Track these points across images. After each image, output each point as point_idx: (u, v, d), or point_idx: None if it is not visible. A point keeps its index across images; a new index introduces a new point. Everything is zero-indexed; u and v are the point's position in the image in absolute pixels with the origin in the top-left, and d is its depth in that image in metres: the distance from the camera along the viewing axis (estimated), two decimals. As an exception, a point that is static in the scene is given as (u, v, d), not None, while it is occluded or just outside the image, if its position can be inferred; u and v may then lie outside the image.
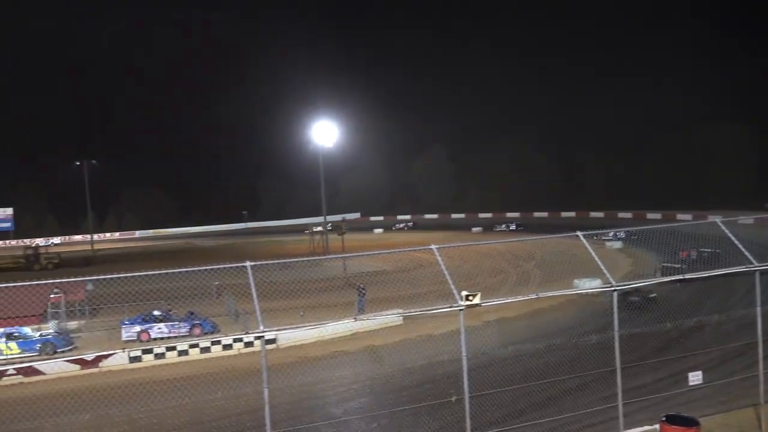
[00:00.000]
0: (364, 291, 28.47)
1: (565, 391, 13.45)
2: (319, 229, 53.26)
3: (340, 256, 43.95)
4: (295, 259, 20.13)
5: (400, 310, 21.95)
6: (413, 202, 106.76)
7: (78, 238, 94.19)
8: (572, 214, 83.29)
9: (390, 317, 23.61)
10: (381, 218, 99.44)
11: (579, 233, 10.88)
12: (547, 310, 25.03)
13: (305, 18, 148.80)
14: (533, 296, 11.39)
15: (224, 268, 10.48)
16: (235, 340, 23.05)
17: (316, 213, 68.23)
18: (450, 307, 9.47)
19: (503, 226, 72.16)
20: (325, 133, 52.92)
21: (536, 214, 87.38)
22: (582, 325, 20.95)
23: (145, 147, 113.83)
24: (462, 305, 9.37)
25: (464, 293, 9.43)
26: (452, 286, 9.43)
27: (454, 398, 10.85)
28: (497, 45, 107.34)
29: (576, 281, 25.51)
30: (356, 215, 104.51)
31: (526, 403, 13.07)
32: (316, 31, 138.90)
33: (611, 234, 43.37)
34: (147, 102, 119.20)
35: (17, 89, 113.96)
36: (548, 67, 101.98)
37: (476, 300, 9.40)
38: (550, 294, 14.97)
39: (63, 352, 24.33)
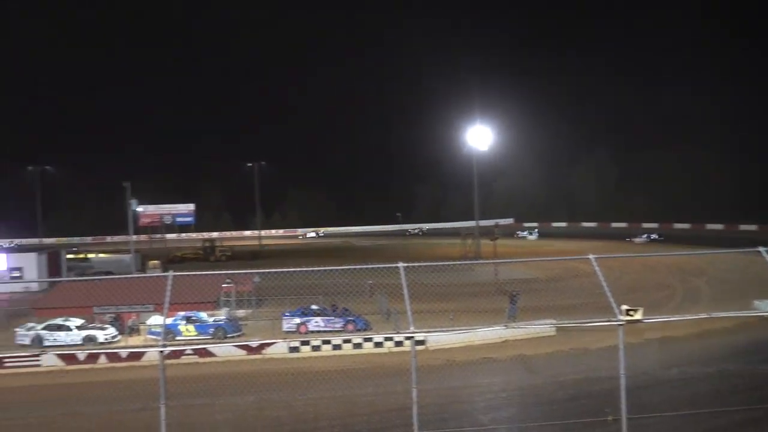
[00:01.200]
0: (516, 298, 27.88)
1: (738, 423, 12.14)
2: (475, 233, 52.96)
3: (491, 261, 43.42)
4: (447, 263, 20.19)
5: (554, 321, 21.22)
6: (570, 209, 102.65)
7: (247, 233, 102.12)
8: (753, 227, 75.26)
9: (542, 327, 22.89)
10: (535, 224, 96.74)
11: (761, 249, 9.81)
12: (718, 332, 22.76)
13: (461, 21, 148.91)
14: (704, 316, 10.46)
15: (378, 267, 10.82)
16: (386, 339, 23.66)
17: (469, 217, 67.95)
18: (608, 321, 8.98)
19: (644, 236, 68.63)
20: (480, 136, 52.62)
21: (709, 226, 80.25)
22: (761, 351, 18.80)
23: (309, 150, 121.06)
24: (622, 320, 8.84)
25: (624, 307, 8.92)
26: (611, 299, 8.94)
27: (610, 418, 10.27)
28: (671, 45, 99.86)
29: (756, 302, 23.02)
30: (510, 220, 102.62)
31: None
32: (475, 35, 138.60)
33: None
34: (314, 106, 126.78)
35: (198, 92, 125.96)
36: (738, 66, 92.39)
37: (638, 315, 8.86)
38: (724, 315, 13.61)
39: (232, 337, 26.58)
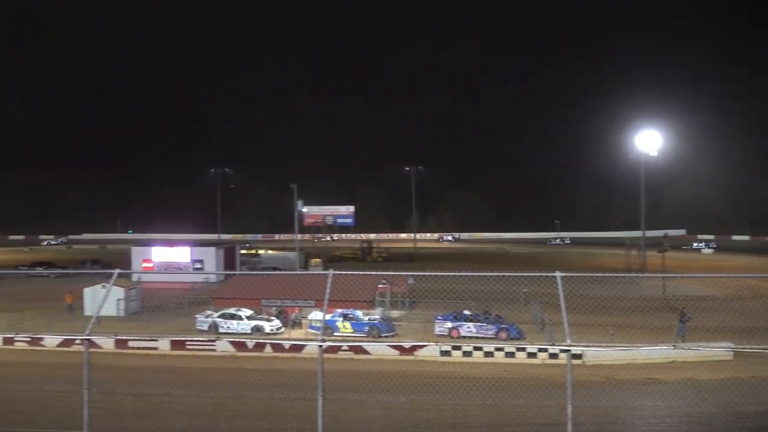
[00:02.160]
0: (687, 317, 25.68)
1: None
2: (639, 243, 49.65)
3: (660, 275, 40.34)
4: (609, 274, 19.11)
5: (731, 344, 19.19)
6: (754, 221, 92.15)
7: (403, 236, 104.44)
8: None
9: (718, 350, 20.81)
10: (711, 237, 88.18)
11: None
12: None
13: (627, 22, 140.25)
14: None
15: (534, 276, 10.51)
16: (540, 350, 22.89)
17: (633, 226, 63.77)
18: (799, 349, 7.93)
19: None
20: (649, 140, 49.24)
21: None
22: None
23: (466, 154, 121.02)
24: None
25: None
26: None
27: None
28: None
29: None
30: (681, 232, 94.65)
31: None
32: (645, 34, 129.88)
33: None
34: (474, 112, 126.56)
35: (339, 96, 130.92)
36: None
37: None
38: None
39: (386, 336, 27.26)
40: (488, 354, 23.92)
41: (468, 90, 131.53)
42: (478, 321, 27.79)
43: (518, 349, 23.68)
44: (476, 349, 24.22)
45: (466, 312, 28.34)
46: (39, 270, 50.64)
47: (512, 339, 26.85)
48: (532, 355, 23.07)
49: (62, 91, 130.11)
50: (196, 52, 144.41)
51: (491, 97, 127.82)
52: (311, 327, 27.86)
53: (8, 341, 25.66)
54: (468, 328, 27.67)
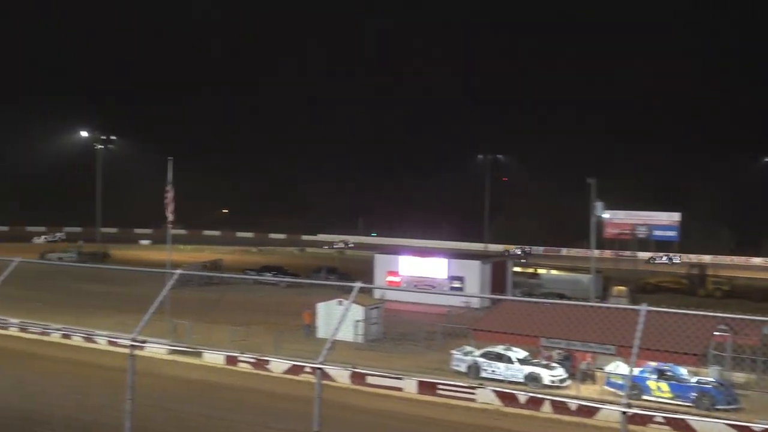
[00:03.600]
0: None
1: None
2: None
3: None
4: None
5: None
6: None
7: (756, 261, 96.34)
8: None
9: None
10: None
11: None
12: None
13: None
14: None
15: None
16: None
17: None
18: None
19: None
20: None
21: None
22: None
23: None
24: None
25: None
26: None
27: None
28: None
29: None
30: None
31: None
32: None
33: None
34: None
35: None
36: None
37: None
38: None
39: (723, 409, 25.30)
40: None
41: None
42: None
43: None
44: None
45: None
46: (268, 276, 57.18)
47: None
48: None
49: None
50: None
51: None
52: (609, 383, 27.19)
53: (231, 361, 29.27)
54: None
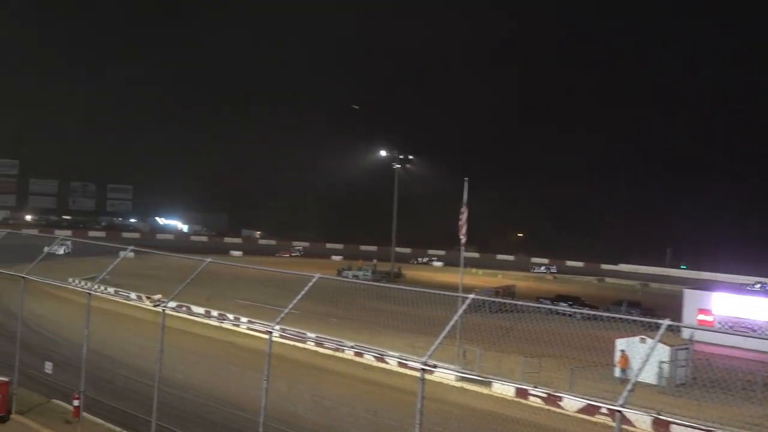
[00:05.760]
0: None
1: None
2: None
3: None
4: None
5: None
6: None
7: None
8: None
9: None
10: None
11: None
12: None
13: None
14: None
15: None
16: None
17: None
18: None
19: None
20: None
21: None
22: None
23: None
24: None
25: None
26: None
27: None
28: None
29: None
30: None
31: None
32: None
33: None
34: None
35: None
36: None
37: None
38: None
39: None
40: None
41: None
42: None
43: None
44: None
45: None
46: (563, 306, 56.22)
47: None
48: None
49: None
50: None
51: None
52: None
53: (522, 393, 29.26)
54: None
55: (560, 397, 26.05)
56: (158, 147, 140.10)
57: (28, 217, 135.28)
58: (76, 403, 19.11)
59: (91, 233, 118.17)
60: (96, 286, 21.65)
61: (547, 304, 57.94)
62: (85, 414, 18.99)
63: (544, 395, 27.53)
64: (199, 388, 25.54)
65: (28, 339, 25.18)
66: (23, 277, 20.85)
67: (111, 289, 35.92)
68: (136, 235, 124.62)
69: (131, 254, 23.31)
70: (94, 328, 19.34)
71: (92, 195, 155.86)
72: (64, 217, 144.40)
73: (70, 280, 39.38)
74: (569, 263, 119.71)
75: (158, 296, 18.52)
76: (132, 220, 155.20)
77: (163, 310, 17.16)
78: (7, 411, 19.44)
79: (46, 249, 27.86)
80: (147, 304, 20.22)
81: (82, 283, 32.53)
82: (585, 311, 55.66)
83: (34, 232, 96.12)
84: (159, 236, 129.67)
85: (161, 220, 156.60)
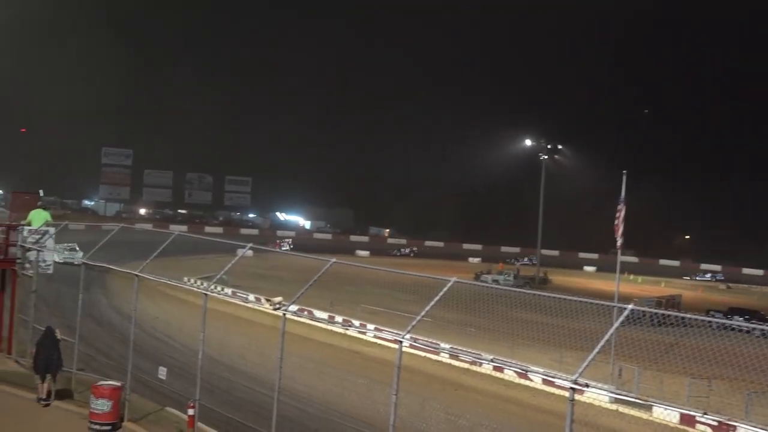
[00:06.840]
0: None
1: None
2: None
3: None
4: None
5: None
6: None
7: None
8: None
9: None
10: None
11: None
12: None
13: None
14: None
15: None
16: None
17: None
18: None
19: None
20: None
21: None
22: None
23: None
24: None
25: None
26: None
27: None
28: None
29: None
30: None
31: None
32: None
33: None
34: None
35: None
36: None
37: None
38: None
39: None
40: None
41: None
42: None
43: None
44: None
45: None
46: (738, 321, 54.17)
47: None
48: None
49: None
50: None
51: None
52: None
53: (688, 420, 28.37)
54: None
55: (734, 426, 25.11)
56: (279, 139, 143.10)
57: (142, 211, 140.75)
58: (191, 412, 19.64)
59: (208, 229, 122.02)
60: (213, 287, 22.31)
61: (718, 318, 56.00)
62: (200, 424, 19.58)
63: (715, 423, 26.65)
64: (322, 401, 25.93)
65: (141, 341, 26.20)
66: (137, 275, 21.60)
67: (228, 290, 36.96)
68: (255, 231, 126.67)
69: (250, 252, 23.82)
70: (210, 331, 19.89)
71: (209, 188, 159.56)
72: (180, 211, 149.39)
73: (186, 279, 40.71)
74: (746, 271, 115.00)
75: (279, 299, 18.88)
76: (251, 215, 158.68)
77: (284, 314, 17.50)
78: (119, 418, 20.18)
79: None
80: (267, 307, 20.63)
81: (198, 282, 33.49)
82: (765, 327, 53.56)
83: (148, 226, 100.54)
84: (279, 233, 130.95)
85: (282, 216, 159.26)
